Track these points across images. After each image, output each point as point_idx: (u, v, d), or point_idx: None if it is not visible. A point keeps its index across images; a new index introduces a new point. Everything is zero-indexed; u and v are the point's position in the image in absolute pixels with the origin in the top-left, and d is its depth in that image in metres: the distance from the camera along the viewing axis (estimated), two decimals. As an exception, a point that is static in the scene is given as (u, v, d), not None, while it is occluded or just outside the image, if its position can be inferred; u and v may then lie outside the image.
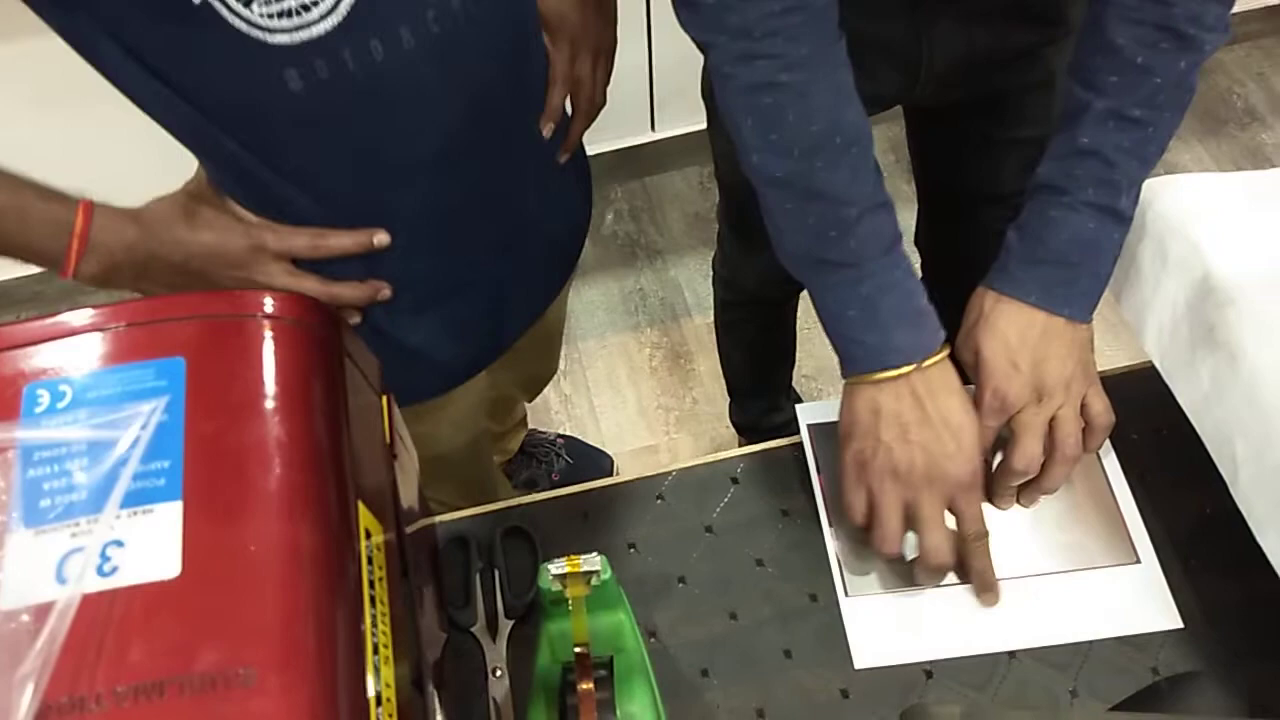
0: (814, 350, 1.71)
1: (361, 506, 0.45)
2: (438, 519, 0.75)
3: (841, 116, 0.67)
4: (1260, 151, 1.97)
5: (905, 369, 0.67)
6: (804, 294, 1.47)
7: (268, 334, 0.46)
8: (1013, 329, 0.68)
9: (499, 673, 0.68)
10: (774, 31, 0.63)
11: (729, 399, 1.56)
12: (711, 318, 1.75)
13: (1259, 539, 0.64)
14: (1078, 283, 0.68)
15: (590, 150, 0.90)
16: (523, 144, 0.76)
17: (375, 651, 0.42)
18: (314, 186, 0.67)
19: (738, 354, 1.43)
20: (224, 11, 0.55)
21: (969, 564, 0.68)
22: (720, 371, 1.55)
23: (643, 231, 1.92)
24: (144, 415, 0.41)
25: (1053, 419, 0.69)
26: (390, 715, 0.41)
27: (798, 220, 0.68)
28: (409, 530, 0.60)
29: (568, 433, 1.66)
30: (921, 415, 0.67)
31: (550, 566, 0.61)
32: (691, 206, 1.93)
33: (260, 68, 0.58)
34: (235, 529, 0.40)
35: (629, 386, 1.75)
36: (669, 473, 0.76)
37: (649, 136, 1.83)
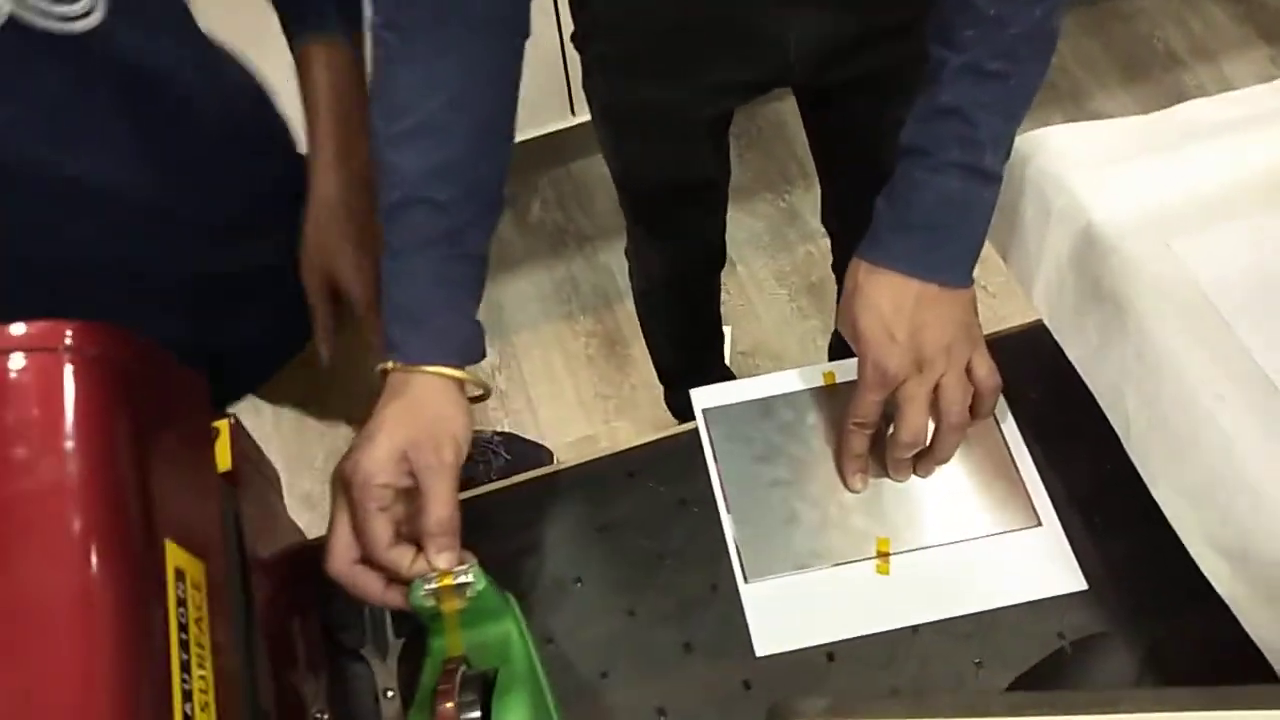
0: (749, 327, 1.69)
1: (171, 545, 0.42)
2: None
3: (423, 105, 0.61)
4: (1184, 94, 1.96)
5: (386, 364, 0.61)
6: (729, 272, 1.46)
7: (66, 369, 0.43)
8: (886, 300, 0.66)
9: (390, 694, 0.65)
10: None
11: (662, 386, 1.54)
12: (645, 301, 1.74)
13: (1152, 492, 0.62)
14: (946, 248, 0.66)
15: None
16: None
17: (189, 699, 0.40)
18: None
19: (662, 340, 1.41)
20: None
21: None
22: (655, 356, 1.53)
23: (570, 219, 1.89)
24: (-86, 468, 0.39)
25: (937, 387, 0.67)
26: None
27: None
28: (268, 555, 0.58)
29: (506, 428, 1.64)
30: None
31: (422, 582, 0.59)
32: (619, 190, 1.91)
33: None
34: (18, 578, 0.38)
35: (566, 376, 1.72)
36: (558, 470, 0.74)
37: (569, 121, 1.79)
